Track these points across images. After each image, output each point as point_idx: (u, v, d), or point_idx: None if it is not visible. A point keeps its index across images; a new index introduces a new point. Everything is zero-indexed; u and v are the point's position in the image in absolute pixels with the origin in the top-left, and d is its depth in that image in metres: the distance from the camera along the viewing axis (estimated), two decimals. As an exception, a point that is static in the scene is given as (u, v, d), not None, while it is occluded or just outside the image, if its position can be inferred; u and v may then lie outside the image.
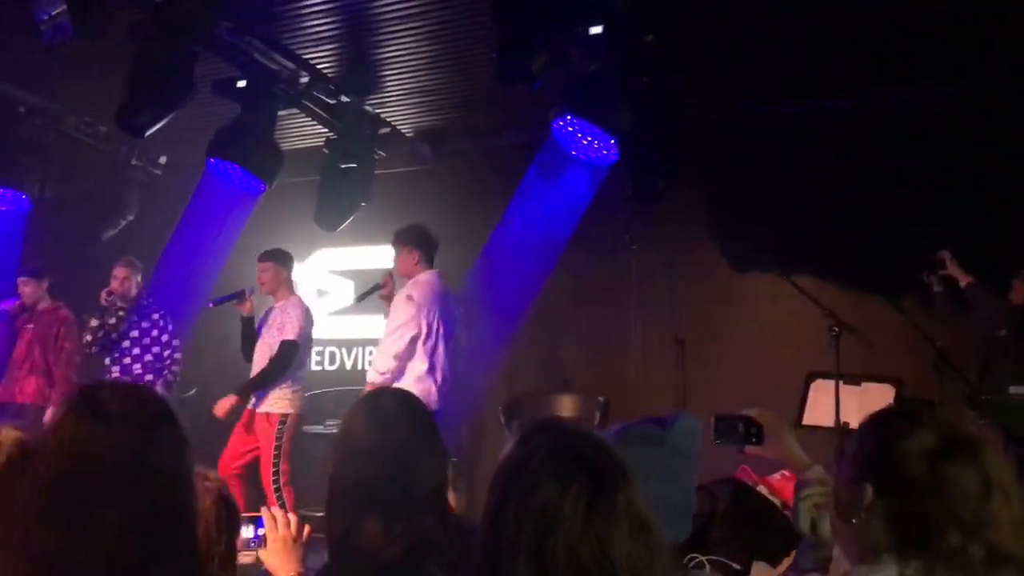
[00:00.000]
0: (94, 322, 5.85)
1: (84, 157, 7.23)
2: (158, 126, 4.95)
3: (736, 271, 6.11)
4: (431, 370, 5.01)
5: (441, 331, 5.08)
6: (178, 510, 1.41)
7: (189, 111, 5.09)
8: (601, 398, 6.11)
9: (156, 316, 5.95)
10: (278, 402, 5.47)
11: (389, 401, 1.98)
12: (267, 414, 5.45)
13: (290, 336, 5.49)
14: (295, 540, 2.17)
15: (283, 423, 5.46)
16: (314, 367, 7.49)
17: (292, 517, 2.20)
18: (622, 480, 1.28)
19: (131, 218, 7.35)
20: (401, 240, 5.25)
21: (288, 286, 5.73)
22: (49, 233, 7.15)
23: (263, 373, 5.46)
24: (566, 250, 6.14)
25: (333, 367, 7.48)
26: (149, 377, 5.79)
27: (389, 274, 5.40)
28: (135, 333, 5.88)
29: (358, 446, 1.88)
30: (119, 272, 5.89)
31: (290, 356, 5.51)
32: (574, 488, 1.25)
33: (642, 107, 4.82)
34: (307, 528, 2.23)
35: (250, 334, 5.69)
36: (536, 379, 6.60)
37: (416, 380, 4.95)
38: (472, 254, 6.54)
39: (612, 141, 4.78)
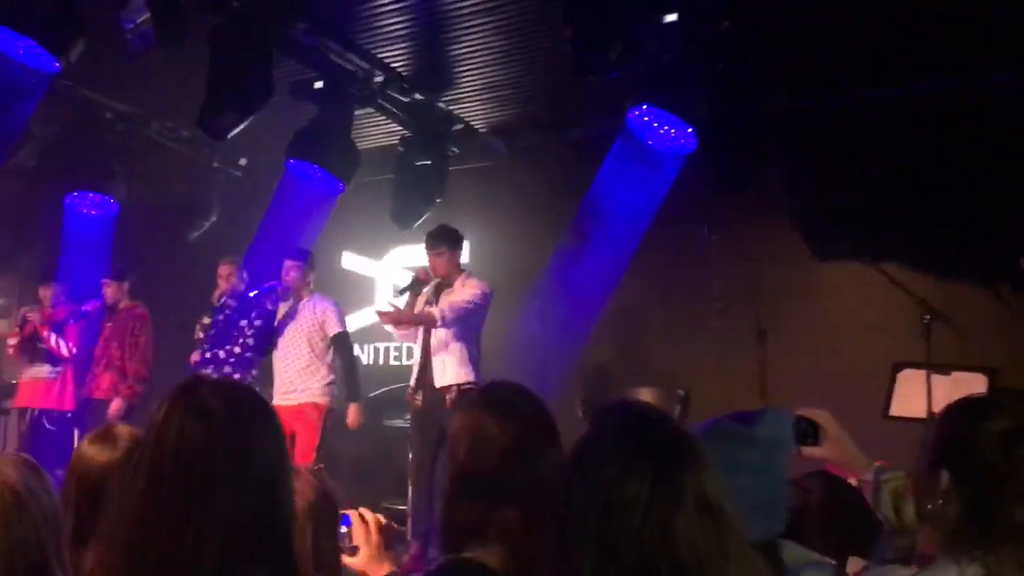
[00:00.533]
0: (206, 320, 5.99)
1: (168, 161, 7.42)
2: (239, 128, 5.05)
3: (819, 260, 5.96)
4: (477, 361, 5.35)
5: None
6: (280, 508, 1.42)
7: (267, 113, 5.17)
8: (681, 391, 6.03)
9: (266, 314, 6.05)
10: (327, 395, 5.72)
11: (511, 393, 1.96)
12: (316, 404, 5.66)
13: (341, 328, 5.80)
14: (387, 541, 2.18)
15: (326, 414, 5.70)
16: (392, 362, 7.58)
17: (380, 518, 2.20)
18: (690, 463, 1.23)
19: (214, 219, 7.53)
20: (449, 242, 5.46)
21: (310, 286, 5.91)
22: (136, 235, 7.36)
23: (354, 370, 5.77)
24: (644, 241, 6.07)
25: (412, 362, 7.53)
26: (256, 372, 5.92)
27: (425, 270, 5.52)
28: (242, 327, 6.01)
29: (487, 439, 1.86)
30: (223, 270, 6.02)
31: (351, 345, 5.93)
32: (636, 471, 1.21)
33: (720, 95, 4.73)
34: (394, 525, 2.24)
35: (272, 328, 5.86)
36: (615, 372, 6.56)
37: (460, 362, 5.26)
38: (548, 247, 6.52)
39: (690, 130, 4.71)
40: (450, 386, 5.28)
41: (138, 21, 4.62)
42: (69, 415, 6.58)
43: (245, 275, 6.06)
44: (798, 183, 6.00)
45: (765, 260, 5.88)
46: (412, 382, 5.51)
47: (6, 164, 6.87)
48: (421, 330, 5.49)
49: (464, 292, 5.35)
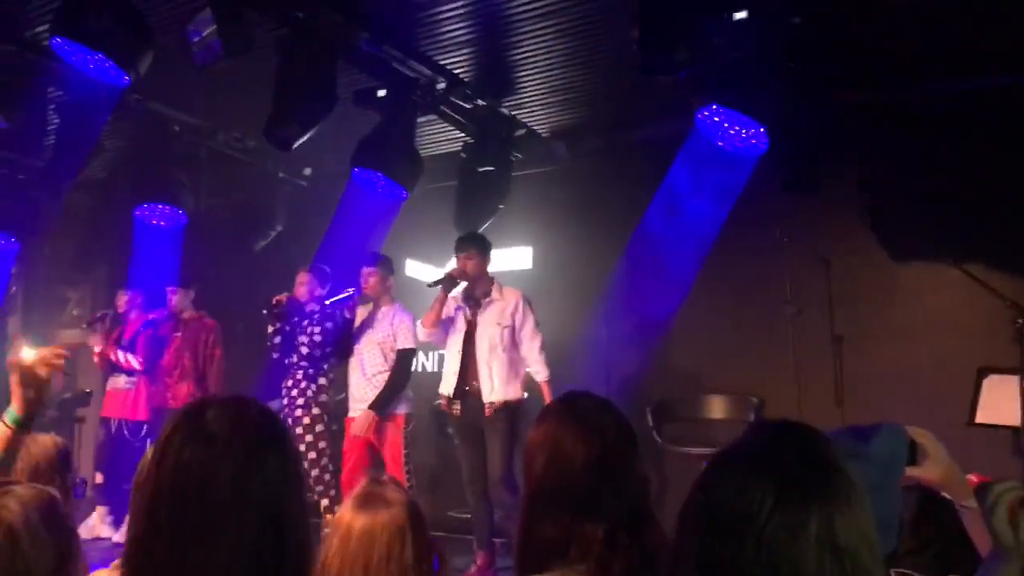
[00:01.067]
0: (270, 328, 6.02)
1: (234, 171, 7.52)
2: (304, 139, 5.07)
3: (897, 262, 5.76)
4: (525, 375, 5.42)
5: None
6: (287, 537, 1.36)
7: (331, 122, 5.18)
8: (754, 398, 5.90)
9: (329, 324, 6.04)
10: (401, 404, 5.65)
11: (592, 407, 1.87)
12: (393, 416, 5.60)
13: (410, 344, 5.70)
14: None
15: (407, 424, 5.65)
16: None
17: None
18: (826, 495, 1.09)
19: (280, 228, 7.60)
20: (478, 246, 5.53)
21: (390, 293, 5.88)
22: (204, 245, 7.47)
23: (393, 384, 5.61)
24: (714, 245, 5.91)
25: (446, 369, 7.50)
26: (323, 380, 5.88)
27: (459, 269, 5.51)
28: (304, 338, 6.01)
29: (567, 454, 1.78)
30: (301, 277, 6.04)
31: (411, 363, 5.80)
32: (756, 488, 1.09)
33: (792, 93, 4.59)
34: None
35: (350, 335, 5.83)
36: (685, 380, 6.43)
37: (509, 378, 5.31)
38: (613, 252, 6.42)
39: (762, 130, 4.57)
40: (493, 403, 5.25)
41: (204, 34, 4.66)
42: (145, 425, 6.68)
43: (319, 290, 6.00)
44: (874, 181, 5.80)
45: (840, 262, 5.72)
46: (449, 391, 5.43)
47: (78, 177, 7.04)
48: (460, 335, 5.45)
49: (527, 325, 5.40)
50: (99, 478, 6.74)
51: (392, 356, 5.68)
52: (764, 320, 6.03)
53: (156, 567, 1.30)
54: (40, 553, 1.52)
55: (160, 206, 6.93)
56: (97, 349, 6.92)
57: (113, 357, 6.72)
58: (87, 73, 4.70)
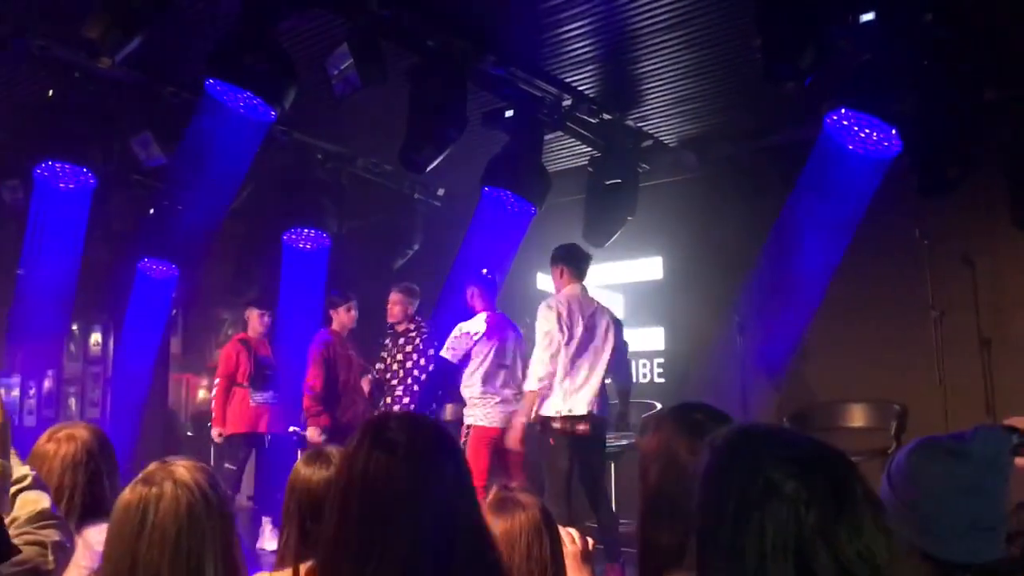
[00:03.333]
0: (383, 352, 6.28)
1: (373, 195, 7.85)
2: (437, 161, 5.27)
3: (1047, 261, 5.49)
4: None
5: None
6: (464, 540, 1.48)
7: (461, 144, 5.37)
8: (897, 405, 5.71)
9: (418, 341, 6.21)
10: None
11: (704, 418, 1.88)
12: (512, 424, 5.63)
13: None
14: (585, 553, 2.21)
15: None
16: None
17: (572, 531, 2.24)
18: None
19: (417, 247, 7.87)
20: (554, 259, 5.51)
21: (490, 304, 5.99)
22: (347, 265, 7.80)
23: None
24: (851, 250, 5.76)
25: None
26: (407, 400, 6.06)
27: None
28: (400, 357, 6.21)
29: (679, 464, 1.80)
30: (390, 297, 6.27)
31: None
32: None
33: (926, 92, 4.46)
34: (591, 541, 2.26)
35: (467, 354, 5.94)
36: (825, 387, 6.28)
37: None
38: (745, 260, 6.36)
39: (893, 131, 4.46)
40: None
41: (342, 67, 4.93)
42: (295, 438, 6.97)
43: (412, 305, 6.23)
44: (1019, 179, 5.54)
45: (986, 263, 5.49)
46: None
47: (231, 205, 7.48)
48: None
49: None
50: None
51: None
52: (905, 324, 5.84)
53: (347, 558, 1.44)
54: (209, 509, 1.70)
55: (306, 230, 7.30)
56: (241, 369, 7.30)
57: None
58: (237, 109, 5.05)
